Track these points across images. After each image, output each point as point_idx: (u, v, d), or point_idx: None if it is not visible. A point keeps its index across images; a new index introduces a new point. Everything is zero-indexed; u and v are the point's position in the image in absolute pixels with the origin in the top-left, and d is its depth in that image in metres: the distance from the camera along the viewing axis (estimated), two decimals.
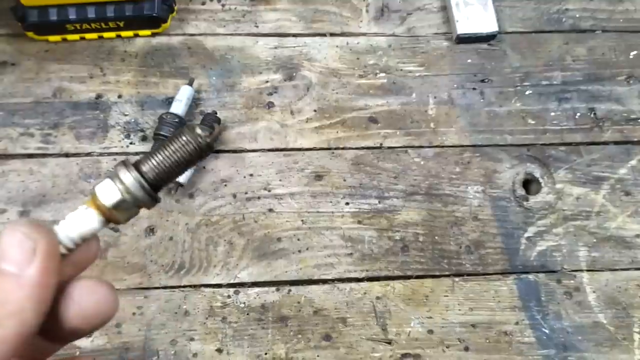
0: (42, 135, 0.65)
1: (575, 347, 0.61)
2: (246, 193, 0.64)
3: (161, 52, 0.69)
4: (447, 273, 0.63)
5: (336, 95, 0.69)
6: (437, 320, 0.61)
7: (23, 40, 0.68)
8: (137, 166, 0.24)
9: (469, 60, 0.71)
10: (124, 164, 0.24)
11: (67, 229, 0.24)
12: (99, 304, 0.23)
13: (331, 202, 0.64)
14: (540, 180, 0.67)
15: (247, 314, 0.60)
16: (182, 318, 0.59)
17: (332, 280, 0.62)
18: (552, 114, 0.70)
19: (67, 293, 0.23)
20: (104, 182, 0.24)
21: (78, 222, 0.24)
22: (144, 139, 0.65)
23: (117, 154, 0.65)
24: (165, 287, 0.60)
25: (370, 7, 0.73)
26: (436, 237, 0.64)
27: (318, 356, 0.59)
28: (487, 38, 0.72)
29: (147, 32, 0.69)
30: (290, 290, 0.61)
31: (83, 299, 0.23)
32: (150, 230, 0.62)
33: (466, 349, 0.60)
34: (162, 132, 0.62)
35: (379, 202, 0.65)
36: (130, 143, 0.65)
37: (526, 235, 0.64)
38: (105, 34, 0.68)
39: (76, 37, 0.68)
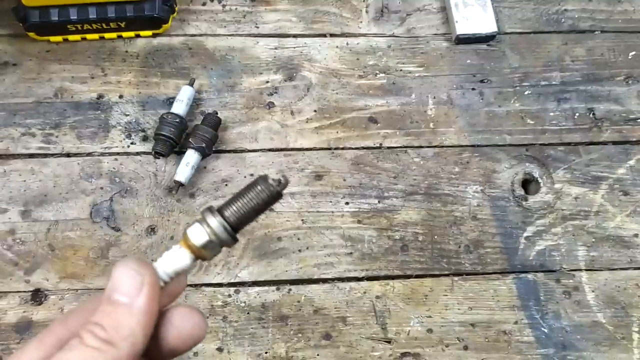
0: (43, 135, 0.65)
1: (574, 346, 0.61)
2: None
3: (162, 52, 0.69)
4: (446, 272, 0.63)
5: (336, 95, 0.69)
6: (436, 319, 0.61)
7: (24, 41, 0.68)
8: (220, 212, 0.29)
9: (468, 61, 0.72)
10: (210, 210, 0.29)
11: (164, 265, 0.28)
12: (194, 328, 0.27)
13: (331, 201, 0.65)
14: (539, 180, 0.67)
15: (248, 313, 0.60)
16: None
17: (332, 280, 0.62)
18: (551, 114, 0.70)
19: (167, 319, 0.27)
20: (194, 226, 0.28)
21: (173, 260, 0.28)
22: (145, 139, 0.66)
23: (118, 154, 0.65)
24: None
25: (370, 8, 0.73)
26: (435, 237, 0.64)
27: (318, 355, 0.59)
28: (487, 39, 0.72)
29: (148, 32, 0.69)
30: (290, 290, 0.61)
31: (181, 323, 0.27)
32: (151, 229, 0.62)
33: (465, 348, 0.60)
34: (163, 132, 0.62)
35: (379, 201, 0.65)
36: (132, 143, 0.65)
37: (525, 234, 0.65)
38: (107, 35, 0.68)
39: (77, 37, 0.68)
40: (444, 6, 0.74)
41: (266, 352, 0.59)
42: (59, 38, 0.68)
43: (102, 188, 0.63)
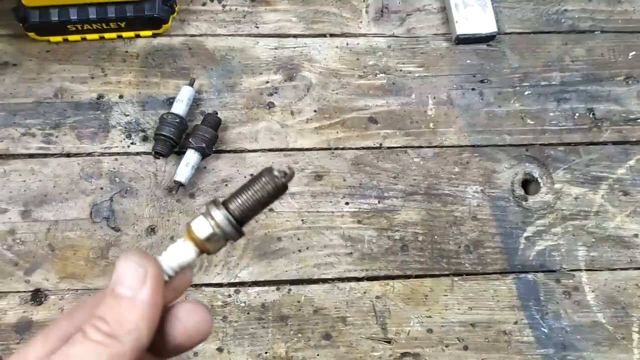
0: (43, 135, 0.65)
1: (574, 346, 0.61)
2: None
3: (162, 52, 0.69)
4: (446, 272, 0.63)
5: (336, 95, 0.69)
6: (436, 319, 0.61)
7: (24, 41, 0.68)
8: (225, 205, 0.28)
9: (468, 61, 0.72)
10: (214, 203, 0.28)
11: (168, 259, 0.28)
12: (200, 323, 0.27)
13: (331, 202, 0.65)
14: (539, 180, 0.67)
15: (248, 313, 0.60)
16: None
17: (332, 280, 0.62)
18: (551, 114, 0.70)
19: (172, 314, 0.27)
20: (198, 219, 0.28)
21: (177, 254, 0.28)
22: (145, 139, 0.66)
23: (118, 154, 0.65)
24: None
25: (370, 8, 0.74)
26: (435, 237, 0.64)
27: (318, 355, 0.59)
28: (486, 39, 0.72)
29: (148, 32, 0.69)
30: (290, 290, 0.61)
31: (187, 319, 0.27)
32: (152, 230, 0.62)
33: (465, 348, 0.60)
34: (163, 133, 0.62)
35: (379, 201, 0.65)
36: (132, 143, 0.65)
37: (525, 235, 0.65)
38: (107, 35, 0.68)
39: (77, 37, 0.68)
40: (444, 6, 0.74)
41: (266, 352, 0.59)
42: (59, 38, 0.68)
43: (102, 188, 0.63)
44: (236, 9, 0.72)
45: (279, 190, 0.28)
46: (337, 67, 0.70)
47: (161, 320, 0.26)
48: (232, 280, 0.61)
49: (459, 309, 0.62)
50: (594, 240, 0.65)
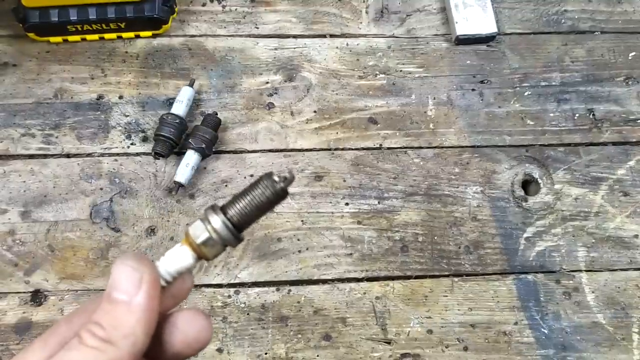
0: (43, 136, 0.65)
1: (574, 347, 0.61)
2: None
3: (162, 53, 0.69)
4: (446, 273, 0.63)
5: (336, 96, 0.69)
6: (436, 320, 0.61)
7: (24, 41, 0.68)
8: (223, 210, 0.28)
9: (468, 62, 0.72)
10: (213, 208, 0.28)
11: (166, 264, 0.27)
12: (200, 332, 0.27)
13: (331, 202, 0.65)
14: (539, 180, 0.67)
15: (248, 314, 0.60)
16: None
17: (332, 280, 0.62)
18: (551, 114, 0.70)
19: (171, 322, 0.26)
20: (196, 223, 0.28)
21: (174, 259, 0.27)
22: (144, 139, 0.66)
23: (118, 154, 0.65)
24: None
25: (370, 9, 0.73)
26: (435, 238, 0.64)
27: (318, 356, 0.59)
28: (486, 39, 0.72)
29: (148, 33, 0.69)
30: (290, 290, 0.61)
31: (186, 327, 0.26)
32: (151, 230, 0.62)
33: (465, 348, 0.60)
34: (162, 133, 0.62)
35: (379, 202, 0.65)
36: (131, 144, 0.65)
37: (525, 235, 0.65)
38: (106, 35, 0.68)
39: (77, 38, 0.68)
40: (443, 7, 0.74)
41: (266, 353, 0.59)
42: (58, 39, 0.68)
43: (102, 189, 0.63)
44: (236, 9, 0.72)
45: (279, 196, 0.28)
46: (337, 67, 0.70)
47: (160, 327, 0.26)
48: (232, 281, 0.61)
49: (459, 310, 0.62)
50: (594, 240, 0.65)
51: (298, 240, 0.63)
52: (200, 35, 0.71)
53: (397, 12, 0.74)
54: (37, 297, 0.60)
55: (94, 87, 0.67)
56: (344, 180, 0.66)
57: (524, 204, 0.66)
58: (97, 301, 0.26)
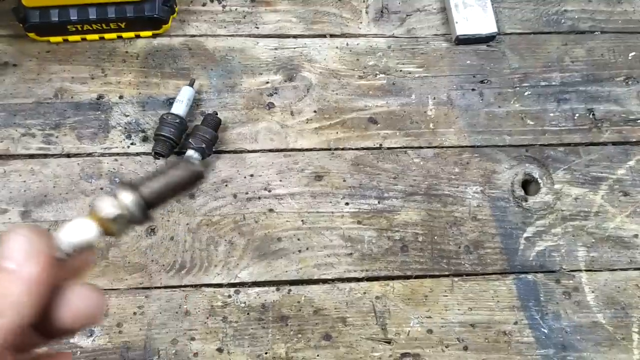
0: (43, 136, 0.65)
1: (574, 346, 0.61)
2: (247, 193, 0.64)
3: (162, 53, 0.69)
4: (446, 273, 0.63)
5: (336, 96, 0.69)
6: (436, 319, 0.61)
7: (24, 41, 0.68)
8: (135, 187, 0.27)
9: (468, 62, 0.72)
10: (123, 183, 0.27)
11: (67, 236, 0.26)
12: (89, 308, 0.26)
13: (331, 202, 0.65)
14: (539, 180, 0.67)
15: (248, 314, 0.60)
16: (183, 318, 0.59)
17: (332, 280, 0.62)
18: (551, 114, 0.70)
19: (62, 295, 0.26)
20: (104, 198, 0.27)
21: (77, 231, 0.26)
22: (145, 139, 0.66)
23: (118, 154, 0.65)
24: (166, 287, 0.61)
25: (370, 9, 0.74)
26: (435, 237, 0.64)
27: (318, 356, 0.59)
28: (486, 39, 0.72)
29: (148, 33, 0.69)
30: (290, 290, 0.61)
31: (75, 302, 0.26)
32: (151, 230, 0.62)
33: (465, 348, 0.60)
34: (163, 133, 0.62)
35: (379, 202, 0.65)
36: (132, 144, 0.65)
37: (525, 235, 0.65)
38: (107, 35, 0.68)
39: (77, 38, 0.68)
40: (444, 7, 0.74)
41: (266, 353, 0.59)
42: (59, 38, 0.68)
43: (102, 189, 0.63)
44: (236, 9, 0.72)
45: (195, 178, 0.27)
46: (337, 67, 0.70)
47: (52, 300, 0.25)
48: (232, 281, 0.61)
49: (459, 310, 0.62)
50: (593, 240, 0.65)
51: (298, 240, 0.63)
52: (201, 35, 0.71)
53: (397, 12, 0.74)
54: None
55: (94, 87, 0.67)
56: (344, 180, 0.66)
57: (524, 203, 0.66)
58: None
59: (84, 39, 0.69)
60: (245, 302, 0.61)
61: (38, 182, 0.63)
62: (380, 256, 0.63)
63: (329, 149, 0.67)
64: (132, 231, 0.27)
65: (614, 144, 0.69)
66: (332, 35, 0.72)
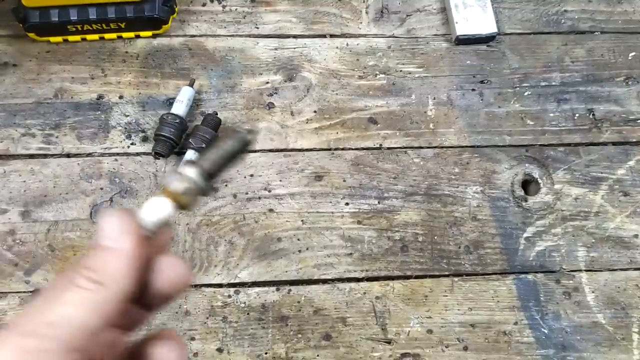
0: (43, 136, 0.65)
1: (574, 347, 0.61)
2: (247, 193, 0.64)
3: (162, 53, 0.69)
4: (446, 273, 0.63)
5: (336, 96, 0.69)
6: (436, 320, 0.61)
7: (24, 41, 0.68)
8: (196, 162, 0.31)
9: (468, 62, 0.72)
10: (187, 162, 0.30)
11: (147, 215, 0.29)
12: (181, 275, 0.29)
13: (331, 202, 0.65)
14: (539, 180, 0.67)
15: (248, 314, 0.60)
16: (183, 317, 0.59)
17: (332, 280, 0.62)
18: (551, 114, 0.70)
19: (156, 267, 0.29)
20: (173, 175, 0.30)
21: (155, 210, 0.29)
22: (145, 139, 0.66)
23: (118, 154, 0.65)
24: None
25: (370, 9, 0.74)
26: (435, 237, 0.64)
27: (318, 356, 0.59)
28: (486, 39, 0.72)
29: (148, 33, 0.69)
30: (290, 290, 0.61)
31: (168, 271, 0.29)
32: None
33: (465, 348, 0.60)
34: (163, 133, 0.62)
35: (379, 202, 0.65)
36: (132, 143, 0.65)
37: (525, 235, 0.65)
38: (107, 35, 0.68)
39: (77, 38, 0.68)
40: (444, 7, 0.74)
41: (266, 353, 0.59)
42: (59, 38, 0.68)
43: (102, 189, 0.63)
44: (236, 9, 0.72)
45: (244, 144, 0.31)
46: (337, 67, 0.70)
47: (145, 274, 0.28)
48: (232, 281, 0.61)
49: (458, 310, 0.62)
50: (593, 240, 0.65)
51: (298, 240, 0.63)
52: (201, 35, 0.71)
53: (397, 12, 0.74)
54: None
55: (94, 87, 0.67)
56: (344, 180, 0.66)
57: (524, 203, 0.66)
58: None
59: (84, 39, 0.69)
60: (245, 302, 0.61)
61: (38, 182, 0.63)
62: (380, 256, 0.63)
63: (329, 149, 0.67)
64: (201, 202, 0.31)
65: (614, 144, 0.69)
66: (332, 36, 0.72)
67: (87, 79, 0.68)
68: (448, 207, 0.65)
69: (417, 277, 0.63)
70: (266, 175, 0.65)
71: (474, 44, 0.72)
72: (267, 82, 0.69)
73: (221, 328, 0.59)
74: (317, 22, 0.72)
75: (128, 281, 0.26)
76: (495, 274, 0.63)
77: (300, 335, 0.60)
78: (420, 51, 0.72)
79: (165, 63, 0.69)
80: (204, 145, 0.62)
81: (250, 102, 0.68)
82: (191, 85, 0.66)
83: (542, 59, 0.72)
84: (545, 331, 0.61)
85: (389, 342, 0.60)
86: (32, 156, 0.64)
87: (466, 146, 0.68)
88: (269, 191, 0.65)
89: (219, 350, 0.59)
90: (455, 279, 0.63)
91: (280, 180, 0.65)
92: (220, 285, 0.61)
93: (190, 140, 0.62)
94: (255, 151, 0.66)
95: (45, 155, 0.64)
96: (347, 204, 0.65)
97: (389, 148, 0.67)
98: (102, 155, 0.65)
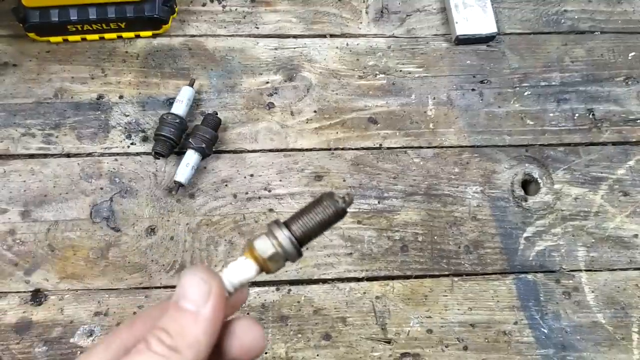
0: (43, 136, 0.65)
1: (574, 346, 0.61)
2: (247, 193, 0.64)
3: (162, 53, 0.69)
4: (446, 273, 0.63)
5: (336, 96, 0.69)
6: (436, 319, 0.61)
7: (24, 41, 0.68)
8: (287, 225, 0.29)
9: (468, 62, 0.72)
10: (277, 223, 0.29)
11: (230, 275, 0.29)
12: (256, 340, 0.28)
13: None
14: (539, 180, 0.67)
15: (248, 314, 0.60)
16: None
17: (332, 280, 0.62)
18: (551, 114, 0.70)
19: (229, 329, 0.28)
20: (261, 238, 0.29)
21: (238, 271, 0.29)
22: (145, 139, 0.66)
23: (118, 154, 0.65)
24: (166, 287, 0.61)
25: (370, 9, 0.74)
26: (435, 237, 0.64)
27: (318, 355, 0.59)
28: (486, 39, 0.72)
29: (148, 33, 0.69)
30: (290, 290, 0.61)
31: (244, 335, 0.28)
32: (151, 230, 0.62)
33: (465, 348, 0.60)
34: (163, 133, 0.62)
35: (379, 202, 0.65)
36: (132, 143, 0.65)
37: (525, 235, 0.65)
38: (107, 35, 0.68)
39: (77, 38, 0.68)
40: (443, 7, 0.74)
41: (266, 353, 0.59)
42: (59, 38, 0.68)
43: (102, 188, 0.63)
44: (236, 9, 0.72)
45: (339, 214, 0.29)
46: (337, 67, 0.70)
47: (219, 335, 0.27)
48: None
49: (458, 310, 0.62)
50: (593, 240, 0.65)
51: None
52: (201, 35, 0.71)
53: (397, 12, 0.74)
54: (37, 296, 0.60)
55: (94, 87, 0.67)
56: (344, 180, 0.66)
57: (523, 203, 0.66)
58: (160, 308, 0.27)
59: (84, 39, 0.69)
60: (245, 302, 0.61)
61: (38, 182, 0.63)
62: (380, 256, 0.63)
63: (329, 149, 0.67)
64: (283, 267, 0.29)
65: (613, 144, 0.69)
66: (332, 35, 0.72)
67: (87, 78, 0.68)
68: (448, 207, 0.65)
69: (417, 277, 0.63)
70: (266, 175, 0.65)
71: (474, 44, 0.72)
72: (267, 82, 0.69)
73: None
74: (317, 22, 0.72)
75: (204, 348, 0.25)
76: (495, 273, 0.63)
77: (300, 335, 0.60)
78: (420, 51, 0.72)
79: (165, 63, 0.69)
80: (203, 145, 0.62)
81: (250, 102, 0.68)
82: (191, 85, 0.66)
83: (542, 59, 0.72)
84: (545, 331, 0.61)
85: (388, 341, 0.60)
86: (32, 156, 0.64)
87: (466, 146, 0.68)
88: (269, 191, 0.65)
89: None
90: (455, 278, 0.63)
91: (280, 180, 0.65)
92: None
93: (190, 140, 0.62)
94: (255, 151, 0.66)
95: (45, 155, 0.64)
96: None
97: (388, 148, 0.67)
98: (102, 155, 0.65)
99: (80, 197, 0.63)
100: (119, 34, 0.69)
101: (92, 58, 0.69)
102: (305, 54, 0.71)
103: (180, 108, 0.64)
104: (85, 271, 0.61)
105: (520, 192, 0.66)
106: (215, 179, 0.65)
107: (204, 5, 0.72)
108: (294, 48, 0.71)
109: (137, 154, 0.65)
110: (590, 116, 0.70)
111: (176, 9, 0.70)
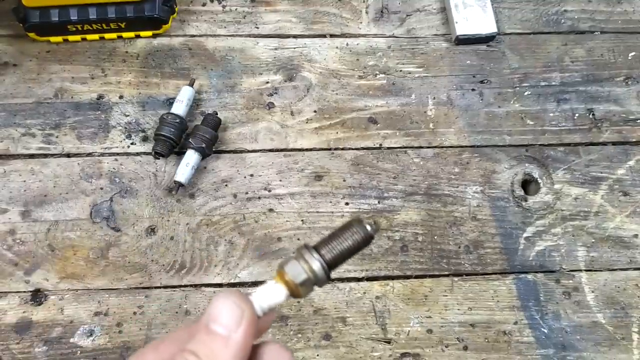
0: (43, 136, 0.65)
1: (574, 346, 0.61)
2: (247, 193, 0.64)
3: (162, 53, 0.69)
4: (446, 273, 0.63)
5: (336, 96, 0.69)
6: (436, 319, 0.61)
7: (24, 41, 0.68)
8: (317, 250, 0.29)
9: (468, 62, 0.72)
10: (307, 247, 0.29)
11: (260, 300, 0.29)
12: None
13: (331, 202, 0.65)
14: (539, 180, 0.67)
15: None
16: (183, 317, 0.59)
17: (332, 280, 0.62)
18: (551, 114, 0.70)
19: (259, 354, 0.27)
20: (292, 263, 0.29)
21: (268, 295, 0.29)
22: (145, 139, 0.66)
23: (118, 154, 0.65)
24: (166, 287, 0.61)
25: (370, 9, 0.74)
26: (435, 237, 0.64)
27: (318, 355, 0.59)
28: (486, 39, 0.72)
29: (148, 33, 0.69)
30: None
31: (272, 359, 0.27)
32: (151, 230, 0.62)
33: (465, 348, 0.60)
34: (163, 133, 0.62)
35: (379, 202, 0.65)
36: (132, 143, 0.65)
37: (525, 235, 0.65)
38: (107, 35, 0.68)
39: (77, 38, 0.68)
40: (443, 7, 0.74)
41: None
42: (59, 38, 0.68)
43: (102, 188, 0.63)
44: (236, 9, 0.72)
45: (367, 240, 0.30)
46: (337, 67, 0.70)
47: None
48: (232, 281, 0.61)
49: (458, 309, 0.62)
50: (593, 240, 0.65)
51: (298, 239, 0.63)
52: (201, 35, 0.71)
53: (397, 12, 0.74)
54: (37, 296, 0.60)
55: (94, 87, 0.67)
56: (344, 180, 0.66)
57: (523, 203, 0.66)
58: (187, 330, 0.27)
59: (84, 39, 0.69)
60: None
61: (38, 182, 0.63)
62: (380, 256, 0.63)
63: (329, 149, 0.67)
64: (312, 291, 0.30)
65: (613, 144, 0.69)
66: (332, 35, 0.72)
67: (87, 78, 0.68)
68: (448, 207, 0.65)
69: (417, 276, 0.63)
70: (266, 175, 0.65)
71: (474, 44, 0.72)
72: (267, 82, 0.69)
73: None
74: (317, 22, 0.72)
75: None
76: (495, 273, 0.63)
77: (300, 335, 0.60)
78: (420, 51, 0.72)
79: (165, 63, 0.69)
80: (203, 145, 0.62)
81: (250, 102, 0.68)
82: (191, 85, 0.66)
83: (542, 58, 0.72)
84: (545, 331, 0.61)
85: (388, 341, 0.60)
86: (32, 156, 0.64)
87: (466, 146, 0.68)
88: (269, 191, 0.65)
89: None
90: (455, 278, 0.63)
91: (280, 180, 0.65)
92: (220, 285, 0.61)
93: (190, 140, 0.62)
94: (255, 151, 0.66)
95: (45, 155, 0.64)
96: (347, 203, 0.65)
97: (388, 148, 0.67)
98: (102, 155, 0.65)
99: (80, 197, 0.63)
100: (119, 33, 0.69)
101: (92, 58, 0.69)
102: (305, 54, 0.71)
103: (180, 108, 0.64)
104: (85, 271, 0.61)
105: (520, 192, 0.66)
106: (215, 179, 0.65)
107: (204, 5, 0.72)
108: (294, 48, 0.71)
109: (137, 153, 0.65)
110: (590, 116, 0.70)
111: (176, 9, 0.70)
